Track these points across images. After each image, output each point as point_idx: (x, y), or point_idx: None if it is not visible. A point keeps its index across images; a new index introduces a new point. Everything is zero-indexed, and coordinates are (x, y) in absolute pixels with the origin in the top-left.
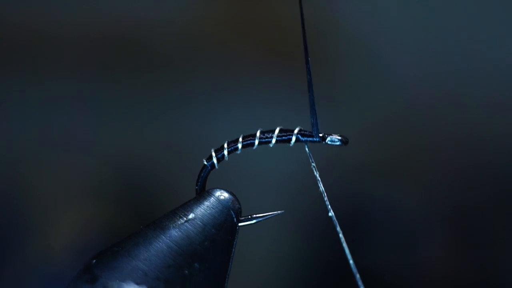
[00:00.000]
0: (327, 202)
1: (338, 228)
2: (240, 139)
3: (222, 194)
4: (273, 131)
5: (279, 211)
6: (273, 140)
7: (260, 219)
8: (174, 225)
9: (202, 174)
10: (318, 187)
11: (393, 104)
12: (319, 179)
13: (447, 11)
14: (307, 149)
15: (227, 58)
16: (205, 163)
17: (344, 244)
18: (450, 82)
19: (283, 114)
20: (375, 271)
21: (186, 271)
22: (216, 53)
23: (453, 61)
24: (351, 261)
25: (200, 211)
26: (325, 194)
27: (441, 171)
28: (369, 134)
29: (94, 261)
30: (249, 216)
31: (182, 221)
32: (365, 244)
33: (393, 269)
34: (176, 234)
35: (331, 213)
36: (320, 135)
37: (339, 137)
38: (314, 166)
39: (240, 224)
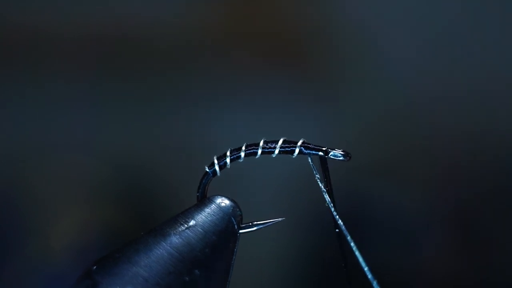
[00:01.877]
0: (337, 216)
1: (349, 237)
2: (243, 148)
3: (223, 201)
4: (277, 142)
5: (279, 218)
6: (276, 151)
7: (261, 226)
8: (175, 231)
9: (203, 181)
10: (325, 201)
11: (393, 104)
12: (325, 190)
13: (448, 10)
14: (310, 161)
15: (229, 59)
16: (207, 170)
17: (357, 252)
18: (450, 82)
19: (284, 114)
20: (375, 271)
21: (187, 278)
22: (218, 54)
23: (453, 61)
24: (366, 268)
25: (201, 218)
26: (332, 205)
27: (441, 171)
28: (369, 134)
29: (95, 267)
30: (250, 223)
31: (183, 228)
32: (365, 244)
33: (393, 269)
34: (177, 241)
35: (341, 225)
36: (324, 149)
37: (342, 152)
38: (318, 178)
39: (241, 231)
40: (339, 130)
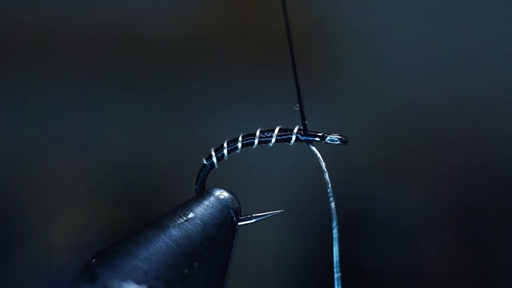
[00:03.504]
0: (331, 194)
1: (334, 223)
2: (240, 139)
3: (222, 194)
4: (273, 131)
5: (278, 210)
6: (273, 140)
7: (260, 218)
8: (174, 224)
9: (201, 174)
10: (326, 183)
11: (393, 104)
12: (325, 169)
13: (449, 11)
14: (314, 149)
15: (227, 57)
16: (205, 162)
17: (336, 236)
18: (451, 82)
19: (284, 113)
20: (375, 271)
21: (186, 271)
22: (217, 52)
23: (454, 61)
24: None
25: (200, 210)
26: (330, 184)
27: (441, 171)
28: (369, 134)
29: (94, 260)
30: (249, 216)
31: (182, 220)
32: (365, 244)
33: (393, 269)
34: (176, 233)
35: (332, 204)
36: (320, 134)
37: (339, 137)
38: (319, 158)
39: (239, 223)
40: (339, 130)
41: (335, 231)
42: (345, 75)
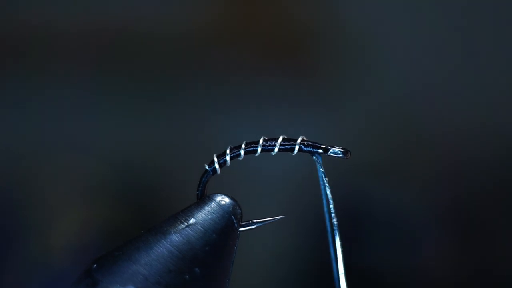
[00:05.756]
0: (332, 210)
1: (337, 239)
2: (243, 146)
3: (223, 199)
4: (276, 140)
5: (280, 216)
6: (276, 149)
7: (261, 224)
8: (175, 230)
9: (203, 179)
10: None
11: (393, 104)
12: (328, 186)
13: (448, 10)
14: (316, 158)
15: (229, 59)
16: (207, 168)
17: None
18: (450, 81)
19: (284, 113)
20: (375, 271)
21: (187, 276)
22: (219, 54)
23: (453, 60)
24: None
25: (201, 216)
26: (331, 201)
27: (441, 171)
28: (369, 134)
29: (95, 265)
30: (250, 221)
31: (183, 226)
32: (365, 244)
33: (393, 269)
34: (177, 239)
35: (335, 220)
36: (323, 146)
37: (342, 150)
38: (323, 172)
39: (241, 229)
40: (339, 129)
41: (338, 246)
42: (345, 75)
